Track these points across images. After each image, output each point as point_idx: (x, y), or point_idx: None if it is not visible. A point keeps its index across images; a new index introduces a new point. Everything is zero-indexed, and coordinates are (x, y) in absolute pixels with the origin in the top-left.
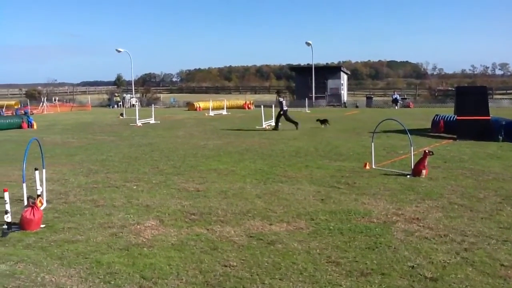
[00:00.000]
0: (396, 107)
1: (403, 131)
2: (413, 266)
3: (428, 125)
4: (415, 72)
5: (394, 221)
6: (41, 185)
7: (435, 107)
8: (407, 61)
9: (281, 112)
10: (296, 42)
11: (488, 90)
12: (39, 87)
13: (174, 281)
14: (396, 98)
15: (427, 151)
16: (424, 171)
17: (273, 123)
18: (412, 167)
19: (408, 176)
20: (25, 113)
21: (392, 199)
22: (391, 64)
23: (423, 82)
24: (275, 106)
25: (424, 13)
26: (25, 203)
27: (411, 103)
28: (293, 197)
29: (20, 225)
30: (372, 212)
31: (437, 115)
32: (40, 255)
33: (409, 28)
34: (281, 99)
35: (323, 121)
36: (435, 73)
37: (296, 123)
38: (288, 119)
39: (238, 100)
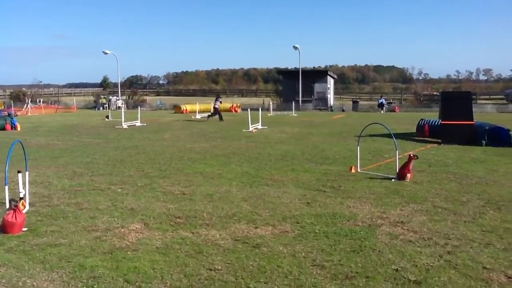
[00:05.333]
0: (382, 111)
1: (388, 135)
2: (397, 269)
3: (413, 130)
4: (401, 77)
5: (379, 225)
6: (24, 188)
7: (420, 111)
8: (393, 66)
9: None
10: (284, 45)
11: (472, 95)
12: (24, 89)
13: (158, 285)
14: (382, 103)
15: (412, 155)
16: (409, 175)
17: (259, 126)
18: (397, 170)
19: (393, 180)
20: (9, 115)
21: (377, 203)
22: (378, 68)
23: (409, 86)
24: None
25: (410, 19)
26: (7, 206)
27: (396, 108)
28: (279, 200)
29: (2, 228)
30: (357, 215)
31: (422, 119)
32: (22, 259)
33: (395, 33)
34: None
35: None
36: (420, 78)
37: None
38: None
39: (225, 103)
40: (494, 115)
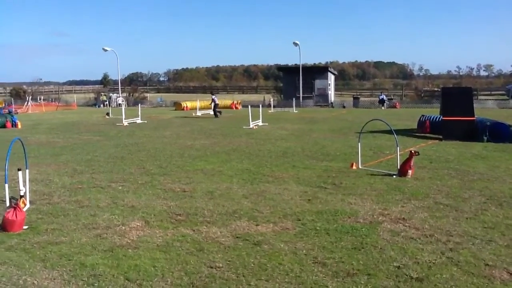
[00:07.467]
0: (383, 108)
1: (389, 132)
2: (399, 266)
3: (414, 126)
4: (401, 73)
5: (380, 221)
6: (24, 185)
7: (421, 107)
8: (393, 62)
9: (215, 104)
10: (284, 42)
11: (473, 91)
12: (24, 86)
13: (159, 283)
14: (382, 99)
15: (413, 151)
16: (410, 171)
17: (260, 123)
18: (398, 167)
19: (394, 176)
20: (9, 112)
21: (378, 199)
22: (378, 64)
23: (410, 82)
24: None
25: (410, 15)
26: (7, 204)
27: (397, 104)
28: (279, 197)
29: (2, 226)
30: (358, 212)
31: (423, 115)
32: (22, 257)
33: (395, 29)
34: (213, 97)
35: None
36: (421, 74)
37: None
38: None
39: (226, 100)
40: (495, 110)
